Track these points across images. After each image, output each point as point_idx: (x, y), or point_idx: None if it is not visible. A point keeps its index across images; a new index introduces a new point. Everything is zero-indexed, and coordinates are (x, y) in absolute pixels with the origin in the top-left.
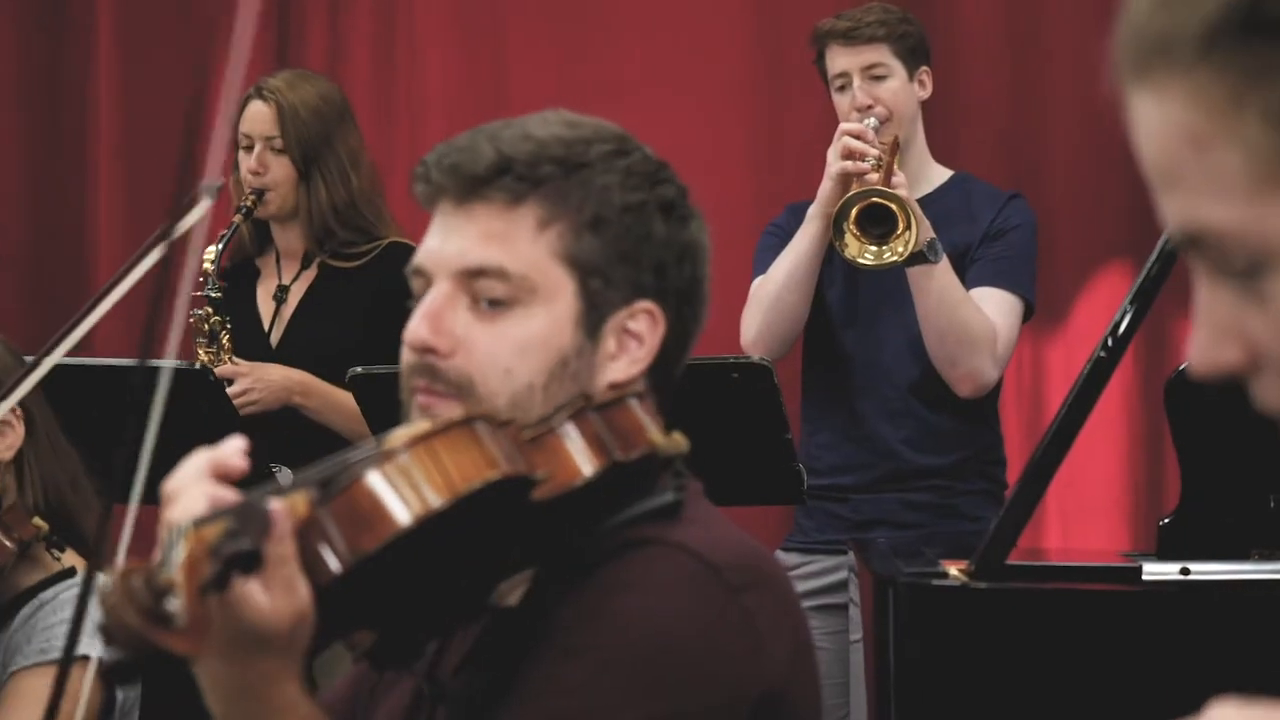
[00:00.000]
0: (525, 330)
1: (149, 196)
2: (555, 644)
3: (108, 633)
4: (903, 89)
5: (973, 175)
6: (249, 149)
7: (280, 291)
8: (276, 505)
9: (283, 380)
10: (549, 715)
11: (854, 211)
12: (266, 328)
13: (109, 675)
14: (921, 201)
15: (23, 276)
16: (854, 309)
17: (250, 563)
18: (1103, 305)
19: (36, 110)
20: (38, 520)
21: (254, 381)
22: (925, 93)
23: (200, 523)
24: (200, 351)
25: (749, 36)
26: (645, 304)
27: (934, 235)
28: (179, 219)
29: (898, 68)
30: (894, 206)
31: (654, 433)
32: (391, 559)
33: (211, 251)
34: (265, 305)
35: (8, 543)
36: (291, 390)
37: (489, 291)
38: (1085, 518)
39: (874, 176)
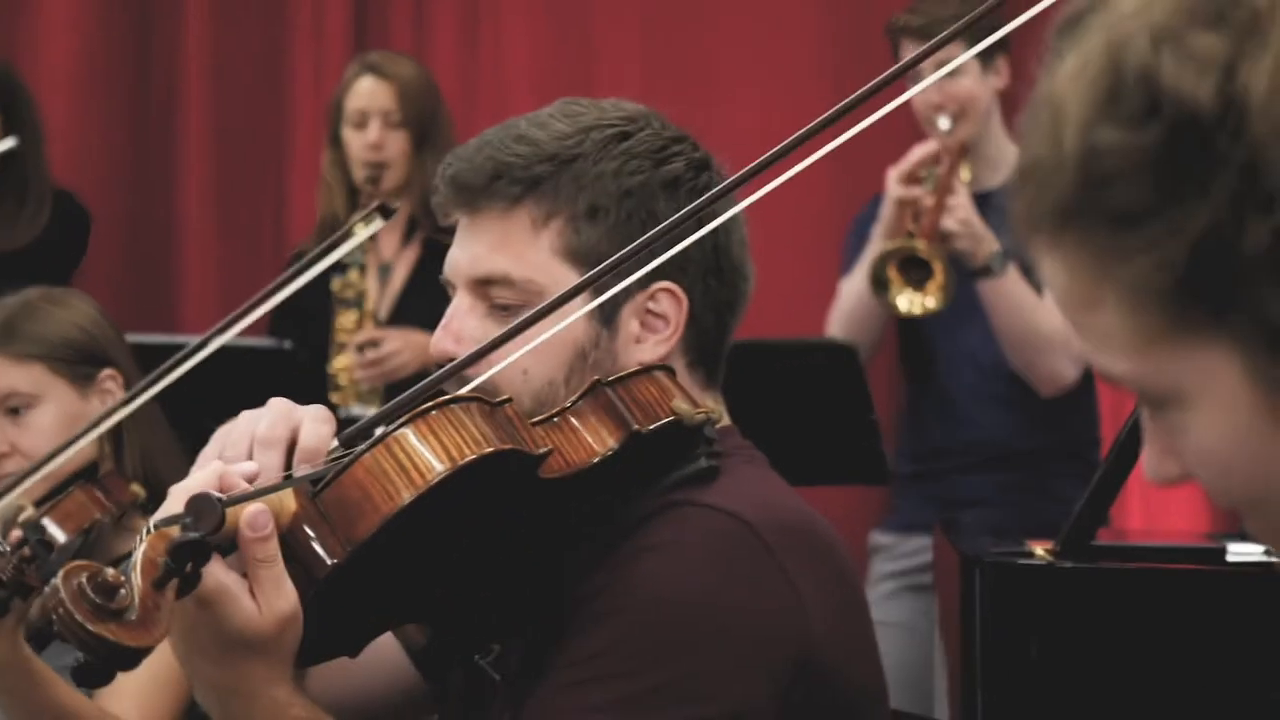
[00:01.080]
0: (538, 331)
1: (237, 174)
2: (584, 614)
3: (61, 633)
4: (977, 85)
5: None
6: (360, 125)
7: (383, 268)
8: (258, 505)
9: (427, 342)
10: (573, 684)
11: (892, 267)
12: (372, 302)
13: (77, 679)
14: (1001, 189)
15: (113, 256)
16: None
17: (200, 553)
18: None
19: (126, 88)
20: (136, 487)
21: (403, 344)
22: (1002, 82)
23: (161, 523)
24: (342, 317)
25: (830, 19)
26: (663, 284)
27: (998, 247)
28: (348, 236)
29: (971, 64)
30: (932, 260)
31: (679, 401)
32: (394, 547)
33: (357, 223)
34: (369, 281)
35: (107, 503)
36: None
37: (501, 298)
38: (1167, 498)
39: (930, 201)
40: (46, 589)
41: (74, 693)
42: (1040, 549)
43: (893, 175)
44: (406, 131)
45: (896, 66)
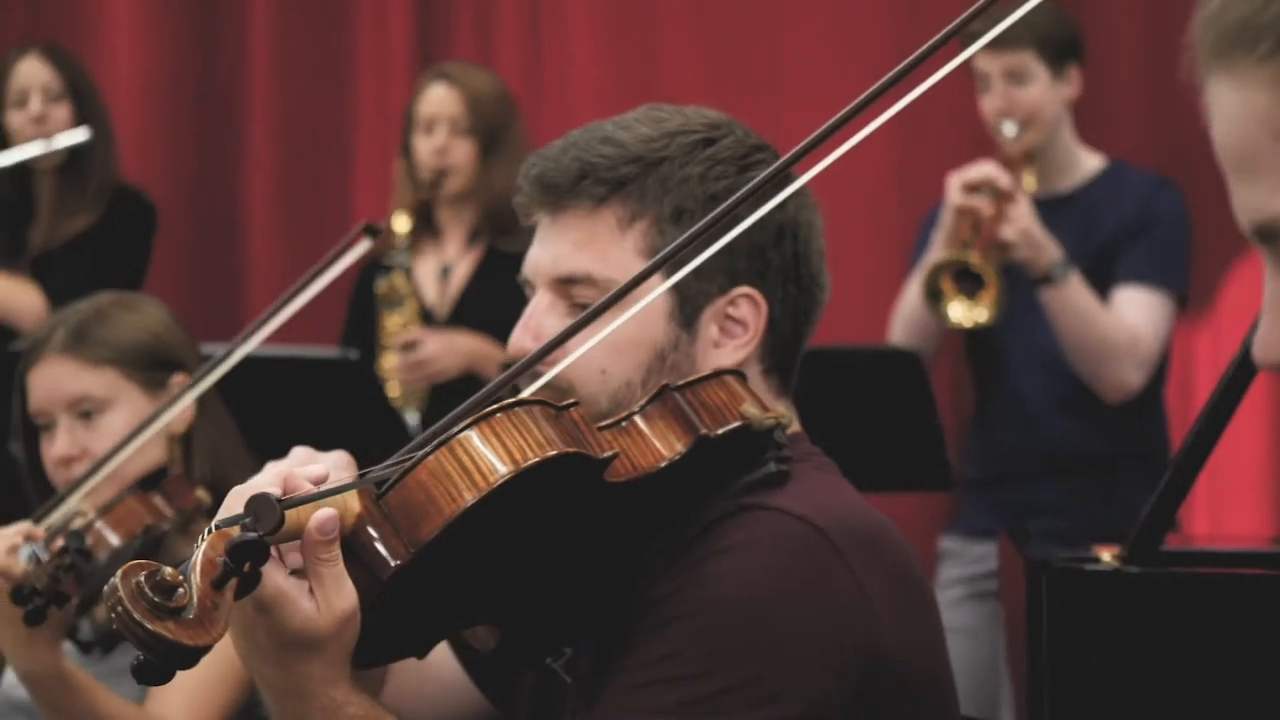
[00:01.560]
0: (618, 331)
1: (301, 175)
2: (652, 616)
3: (119, 631)
4: (1045, 92)
5: (1125, 163)
6: (428, 131)
7: (445, 269)
8: (328, 510)
9: (470, 347)
10: (642, 685)
11: (945, 279)
12: (431, 305)
13: (137, 676)
14: (1070, 194)
15: (178, 258)
16: (1015, 308)
17: (259, 553)
18: (1251, 290)
19: (191, 88)
20: (201, 493)
21: (444, 347)
22: (1073, 90)
23: (221, 523)
24: (386, 320)
25: (893, 25)
26: (744, 289)
27: (1060, 256)
28: (341, 256)
29: (1041, 71)
30: (985, 274)
31: (748, 406)
32: (458, 549)
33: (402, 221)
34: (428, 283)
35: (168, 511)
36: (478, 357)
37: (582, 297)
38: (1232, 502)
39: (990, 212)
40: (106, 588)
41: (115, 700)
42: (1107, 554)
43: (954, 183)
44: (473, 139)
45: (953, 25)
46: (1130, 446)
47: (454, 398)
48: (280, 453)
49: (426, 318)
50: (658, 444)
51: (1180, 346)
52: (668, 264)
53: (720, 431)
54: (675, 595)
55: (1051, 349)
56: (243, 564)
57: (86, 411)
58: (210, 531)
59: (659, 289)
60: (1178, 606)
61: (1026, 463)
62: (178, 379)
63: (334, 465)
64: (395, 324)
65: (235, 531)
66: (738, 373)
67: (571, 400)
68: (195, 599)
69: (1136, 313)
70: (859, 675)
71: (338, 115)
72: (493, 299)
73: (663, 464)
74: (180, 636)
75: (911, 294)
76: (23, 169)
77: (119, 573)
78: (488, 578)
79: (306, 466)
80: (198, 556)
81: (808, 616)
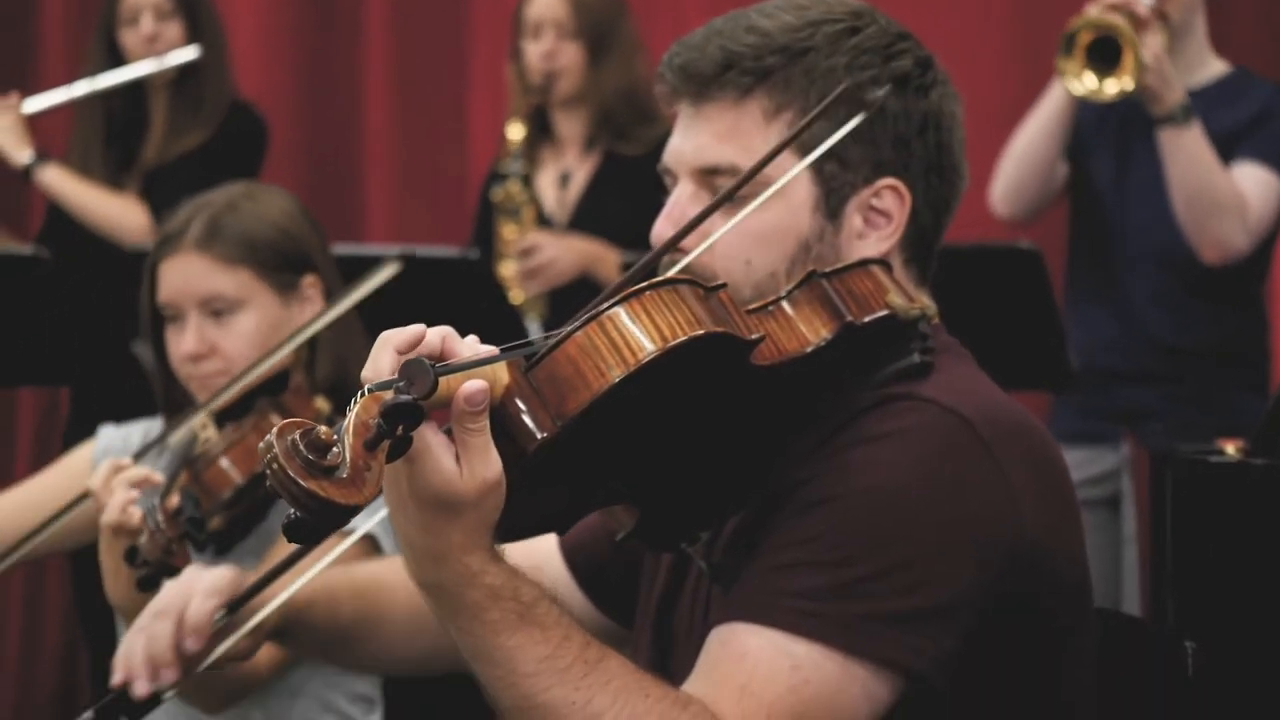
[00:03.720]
0: (763, 221)
1: (419, 86)
2: (798, 500)
3: (273, 489)
4: None
5: (1251, 70)
6: (536, 35)
7: (564, 176)
8: (479, 382)
9: (584, 249)
10: (785, 566)
11: (1085, 37)
12: (549, 211)
13: (289, 534)
14: (1195, 93)
15: (299, 168)
16: (1122, 184)
17: (412, 416)
18: None
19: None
20: (320, 402)
21: (561, 250)
22: None
23: (375, 387)
24: (503, 228)
25: None
26: (889, 180)
27: (1188, 99)
28: (367, 281)
29: None
30: (1126, 43)
31: (894, 296)
32: (603, 425)
33: (516, 129)
34: (548, 190)
35: None
36: (595, 260)
37: (725, 187)
38: None
39: (1126, 33)
40: (261, 444)
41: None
42: (1231, 447)
43: (1093, 5)
44: (580, 42)
45: None
46: (1229, 348)
47: (574, 303)
48: None
49: (545, 225)
50: (804, 329)
51: None
52: (809, 149)
53: (866, 320)
54: (820, 480)
55: (1154, 241)
56: (395, 427)
57: (218, 310)
58: (363, 394)
59: (796, 168)
60: None
61: (1125, 357)
62: (309, 281)
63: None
64: (512, 232)
65: (386, 395)
66: (884, 262)
67: (720, 282)
68: (348, 459)
69: (1249, 184)
70: (1003, 565)
71: (454, 24)
72: (611, 204)
73: (808, 349)
74: (333, 495)
75: (1023, 132)
76: (136, 86)
77: (275, 430)
78: (631, 455)
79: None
80: (351, 418)
81: (953, 507)
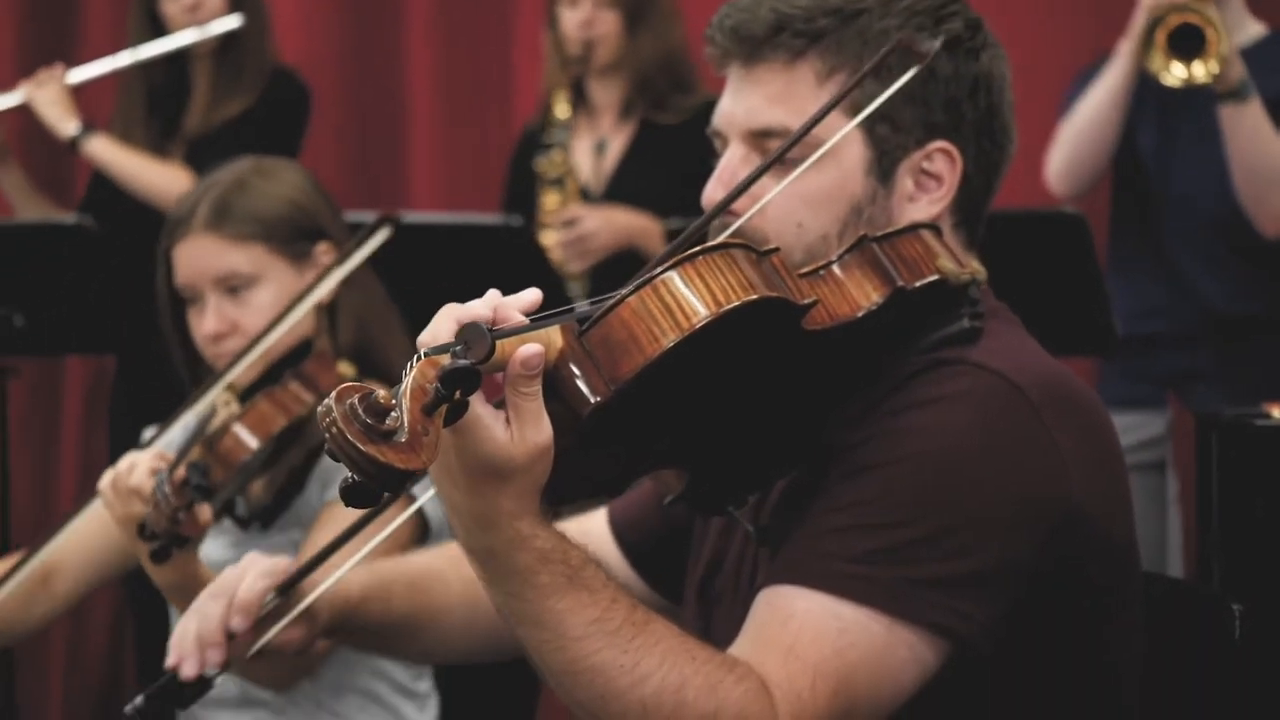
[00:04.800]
0: (815, 184)
1: (463, 51)
2: (847, 463)
3: (331, 452)
4: None
5: None
6: (572, 3)
7: (599, 145)
8: (534, 345)
9: (628, 221)
10: (835, 530)
11: (1165, 27)
12: (585, 180)
13: (346, 498)
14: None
15: (342, 135)
16: (1168, 151)
17: (470, 381)
18: None
19: None
20: (343, 367)
21: (602, 223)
22: None
23: (432, 351)
24: (545, 197)
25: None
26: (940, 143)
27: (1247, 74)
28: (361, 245)
29: None
30: (1205, 25)
31: (944, 260)
32: (656, 389)
33: (560, 100)
34: (584, 159)
35: (307, 396)
36: (634, 231)
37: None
38: None
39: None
40: (320, 408)
41: None
42: (1277, 410)
43: None
44: (618, 10)
45: None
46: (1278, 308)
47: (616, 274)
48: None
49: (586, 195)
50: (855, 294)
51: None
52: (860, 109)
53: (917, 284)
54: (870, 444)
55: (1202, 207)
56: (454, 391)
57: (234, 287)
58: (419, 358)
59: (845, 128)
60: None
61: (1171, 322)
62: (322, 248)
63: (532, 303)
64: (554, 202)
65: (443, 359)
66: (934, 227)
67: (773, 246)
68: (406, 423)
69: None
70: (1051, 531)
71: None
72: (647, 173)
73: (859, 314)
74: (392, 459)
75: (1081, 111)
76: (178, 54)
77: (334, 394)
78: (681, 419)
79: (518, 296)
80: (408, 382)
81: (1003, 473)
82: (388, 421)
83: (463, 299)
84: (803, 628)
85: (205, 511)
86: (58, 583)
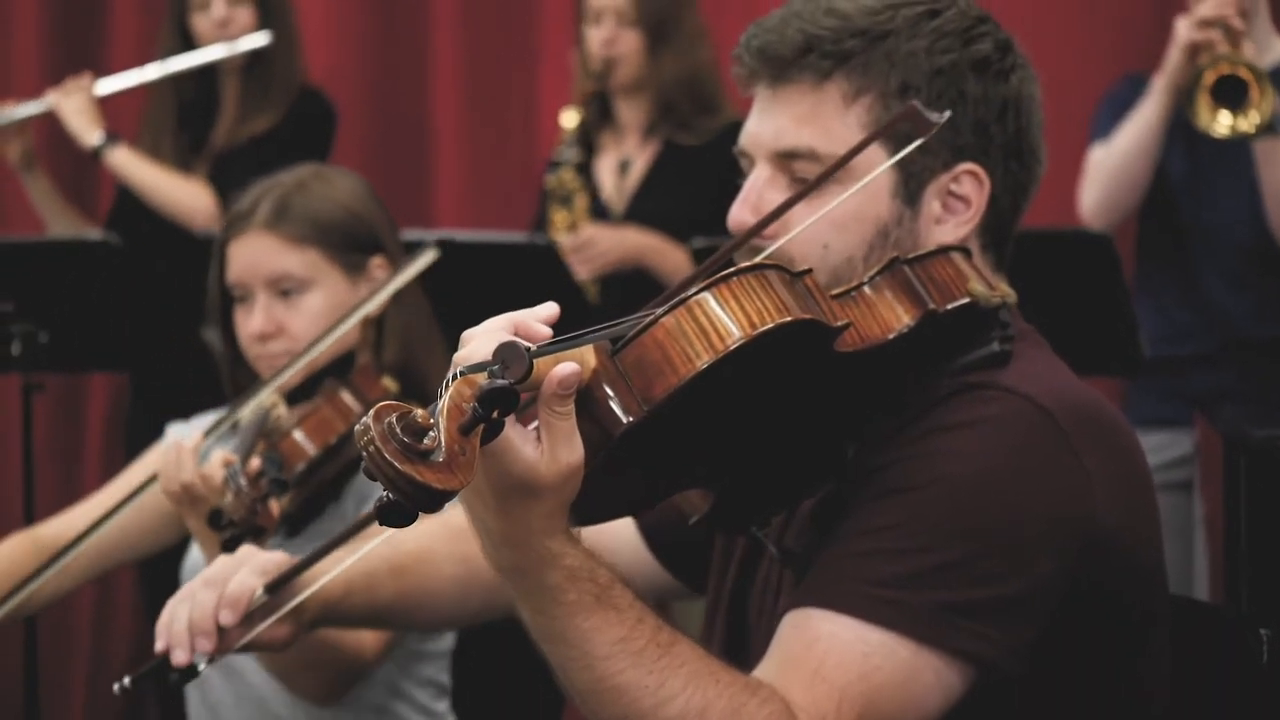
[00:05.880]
0: (842, 206)
1: (488, 70)
2: (875, 486)
3: (369, 472)
4: None
5: None
6: (597, 21)
7: (623, 164)
8: (571, 364)
9: (638, 240)
10: (862, 554)
11: (1208, 80)
12: (607, 198)
13: (381, 517)
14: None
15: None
16: (1195, 175)
17: (508, 401)
18: None
19: None
20: (387, 381)
21: (613, 242)
22: None
23: (468, 369)
24: (554, 214)
25: None
26: (967, 165)
27: (1279, 107)
28: (406, 268)
29: None
30: (1248, 76)
31: (975, 283)
32: (688, 410)
33: (570, 117)
34: (607, 177)
35: (357, 407)
36: (646, 250)
37: (804, 172)
38: None
39: (1225, 48)
40: (358, 427)
41: None
42: None
43: (1185, 21)
44: (640, 30)
45: None
46: None
47: (626, 292)
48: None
49: (600, 212)
50: (886, 316)
51: None
52: (892, 140)
53: (948, 307)
54: (899, 467)
55: (1230, 229)
56: (491, 411)
57: (286, 290)
58: (455, 377)
59: (886, 164)
60: None
61: (1199, 344)
62: (377, 262)
63: (550, 315)
64: (563, 219)
65: (480, 378)
66: (964, 249)
67: (806, 268)
68: (443, 443)
69: None
70: (1080, 556)
71: (523, 5)
72: (670, 193)
73: (890, 336)
74: (430, 479)
75: (1116, 149)
76: (207, 70)
77: (371, 412)
78: (710, 440)
79: (537, 309)
80: (444, 402)
81: (1032, 498)
82: (425, 441)
83: (488, 317)
84: (828, 651)
85: (277, 505)
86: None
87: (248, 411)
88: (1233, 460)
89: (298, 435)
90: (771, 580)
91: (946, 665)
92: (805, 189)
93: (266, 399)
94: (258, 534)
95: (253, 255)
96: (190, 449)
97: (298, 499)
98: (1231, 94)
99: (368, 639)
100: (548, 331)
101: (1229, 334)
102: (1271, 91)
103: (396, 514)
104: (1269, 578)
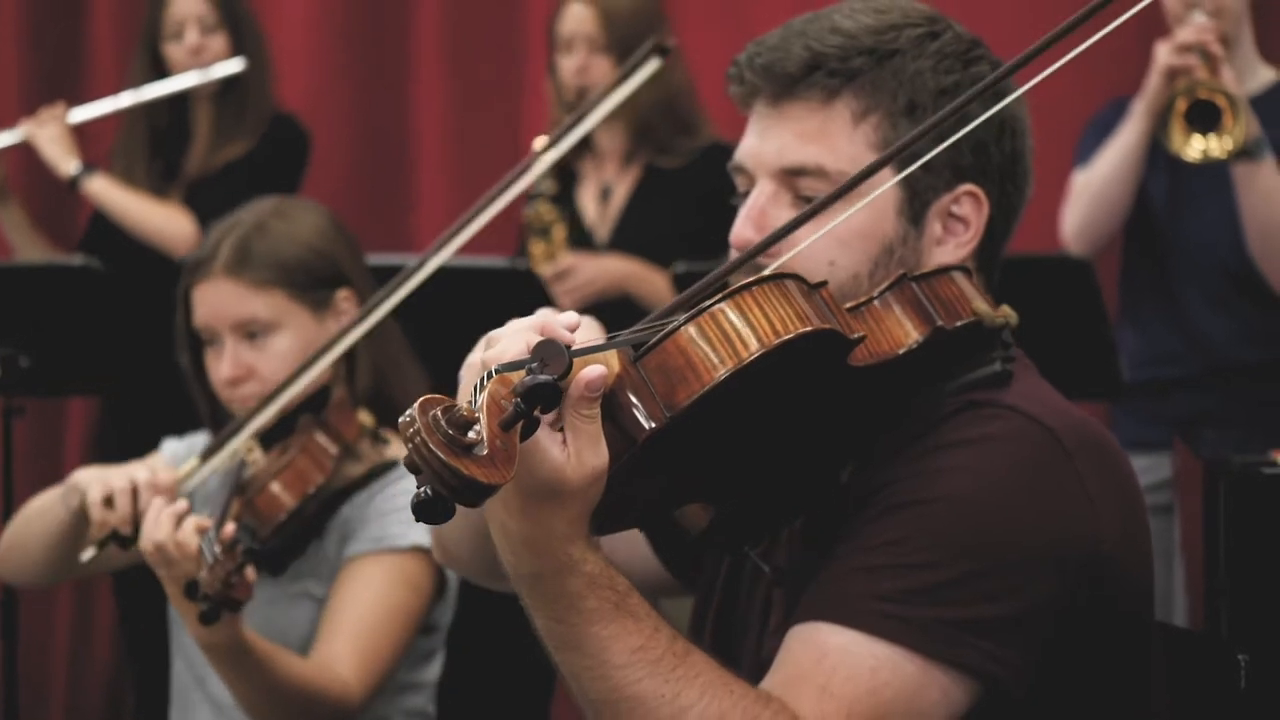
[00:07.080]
0: (849, 223)
1: (471, 94)
2: (877, 502)
3: (414, 464)
4: None
5: None
6: (568, 50)
7: (604, 191)
8: (600, 366)
9: (620, 267)
10: (864, 569)
11: (1182, 105)
12: (590, 225)
13: (418, 512)
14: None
15: (349, 178)
16: (1177, 199)
17: (550, 397)
18: None
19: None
20: (363, 416)
21: (595, 271)
22: None
23: (504, 367)
24: (533, 247)
25: None
26: (968, 186)
27: (1261, 133)
28: (520, 176)
29: None
30: (1222, 101)
31: (978, 303)
32: (706, 419)
33: (541, 144)
34: (590, 205)
35: (334, 449)
36: (628, 277)
37: (810, 189)
38: None
39: (1203, 74)
40: (403, 419)
41: (294, 660)
42: None
43: (1165, 46)
44: (611, 57)
45: None
46: None
47: (610, 319)
48: (452, 361)
49: (584, 240)
50: (896, 331)
51: None
52: (898, 157)
53: (955, 325)
54: (905, 483)
55: (1212, 253)
56: (534, 407)
57: (253, 333)
58: (491, 375)
59: (890, 181)
60: None
61: (1183, 368)
62: (343, 294)
63: (574, 324)
64: (541, 250)
65: (517, 376)
66: (965, 269)
67: (823, 279)
68: (486, 438)
69: None
70: (1083, 574)
71: (505, 32)
72: (653, 217)
73: (900, 351)
74: (475, 474)
75: (1096, 173)
76: (180, 97)
77: (416, 405)
78: (722, 454)
79: (563, 315)
80: (483, 398)
81: (1037, 517)
82: (470, 435)
83: (470, 341)
84: (836, 666)
85: (253, 573)
86: None
87: (223, 457)
88: (1213, 485)
89: (275, 488)
90: (757, 599)
91: (953, 682)
92: (816, 205)
93: (241, 446)
94: (235, 606)
95: (217, 301)
96: (170, 512)
97: (279, 539)
98: (1206, 119)
99: (354, 681)
100: (573, 336)
101: (1211, 358)
102: (1247, 117)
103: (435, 509)
104: (1247, 603)
